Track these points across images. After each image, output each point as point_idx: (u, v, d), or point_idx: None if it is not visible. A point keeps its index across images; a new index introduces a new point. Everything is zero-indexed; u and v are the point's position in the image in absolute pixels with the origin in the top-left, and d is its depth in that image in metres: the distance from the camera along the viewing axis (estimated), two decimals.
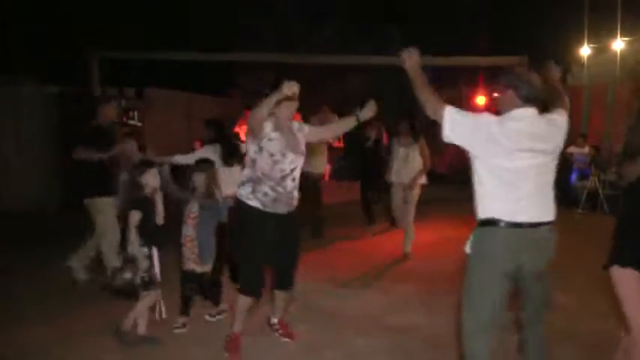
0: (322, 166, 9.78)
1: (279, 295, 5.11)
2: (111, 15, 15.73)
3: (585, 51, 13.96)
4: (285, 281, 5.00)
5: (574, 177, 13.26)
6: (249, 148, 4.68)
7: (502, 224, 3.50)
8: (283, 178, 4.62)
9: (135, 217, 4.92)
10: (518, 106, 3.55)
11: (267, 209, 4.60)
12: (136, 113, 15.88)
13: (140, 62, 14.95)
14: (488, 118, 3.54)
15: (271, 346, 5.05)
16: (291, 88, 4.26)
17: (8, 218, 11.14)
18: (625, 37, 13.09)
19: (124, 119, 15.58)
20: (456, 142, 3.56)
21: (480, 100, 14.07)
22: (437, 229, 10.18)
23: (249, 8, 17.37)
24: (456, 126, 3.53)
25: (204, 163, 5.71)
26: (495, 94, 3.49)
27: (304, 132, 4.86)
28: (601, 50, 13.82)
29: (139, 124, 15.89)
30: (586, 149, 13.29)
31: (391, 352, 5.00)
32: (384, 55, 16.15)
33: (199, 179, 5.52)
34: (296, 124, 4.84)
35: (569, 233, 10.22)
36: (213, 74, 17.33)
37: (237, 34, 16.56)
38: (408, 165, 8.30)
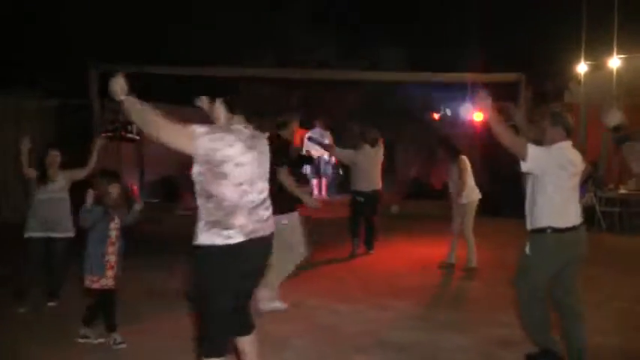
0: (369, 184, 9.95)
1: None
2: (111, 28, 15.78)
3: (582, 68, 14.03)
4: None
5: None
6: None
7: (563, 229, 4.65)
8: None
9: None
10: (564, 139, 4.71)
11: None
12: (134, 127, 15.89)
13: (140, 76, 14.97)
14: (555, 150, 4.65)
15: None
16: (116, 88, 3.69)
17: (8, 230, 11.12)
18: (621, 54, 13.17)
19: (123, 132, 15.59)
20: (534, 172, 4.65)
21: (478, 116, 14.08)
22: (433, 245, 10.19)
23: (249, 24, 17.44)
24: (536, 159, 4.57)
25: (113, 174, 5.74)
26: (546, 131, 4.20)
27: None
28: (598, 67, 13.89)
29: (137, 137, 15.91)
30: (583, 166, 13.29)
31: None
32: (381, 72, 16.29)
33: (115, 190, 5.49)
34: None
35: None
36: (211, 89, 17.35)
37: (236, 50, 16.62)
38: (456, 183, 8.84)
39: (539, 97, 15.14)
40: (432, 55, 16.13)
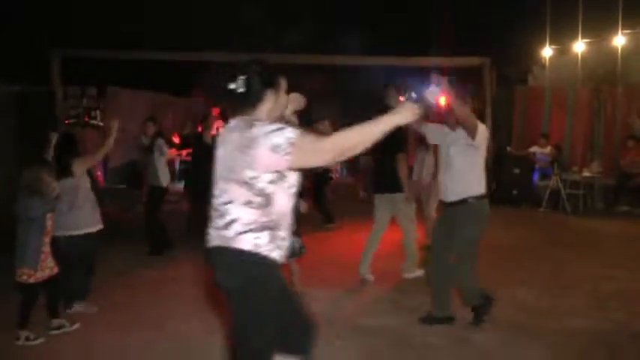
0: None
1: None
2: (72, 12, 15.49)
3: (547, 52, 14.16)
4: None
5: (536, 176, 13.42)
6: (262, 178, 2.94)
7: (486, 195, 5.35)
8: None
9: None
10: None
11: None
12: (97, 112, 15.68)
13: (103, 61, 14.77)
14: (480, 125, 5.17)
15: None
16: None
17: None
18: (585, 39, 13.32)
19: (86, 119, 15.38)
20: (477, 145, 5.13)
21: (442, 100, 14.13)
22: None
23: (217, 8, 17.27)
24: (481, 135, 5.11)
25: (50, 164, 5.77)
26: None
27: None
28: (562, 52, 14.03)
29: (101, 123, 15.70)
30: (548, 149, 13.47)
31: (368, 353, 5.00)
32: (346, 56, 16.23)
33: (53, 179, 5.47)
34: None
35: (533, 232, 10.38)
36: (176, 74, 17.18)
37: (203, 34, 16.46)
38: (424, 167, 9.11)
39: (503, 81, 15.26)
40: (397, 39, 16.15)
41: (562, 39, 13.77)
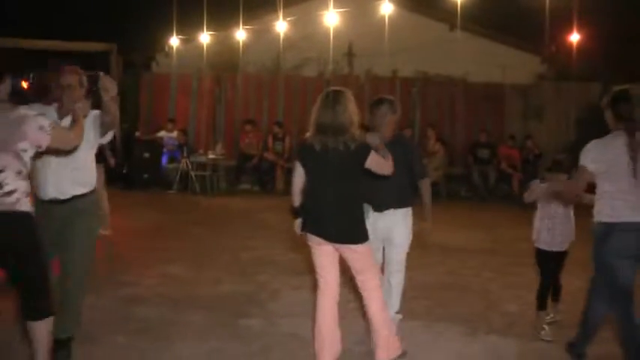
0: None
1: None
2: None
3: (174, 41, 14.72)
4: None
5: (165, 160, 13.94)
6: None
7: None
8: None
9: None
10: None
11: None
12: None
13: None
14: None
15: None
16: None
17: None
18: (210, 31, 14.16)
19: None
20: None
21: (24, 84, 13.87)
22: None
23: None
24: None
25: None
26: None
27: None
28: (188, 41, 14.71)
29: None
30: (175, 133, 14.09)
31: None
32: None
33: None
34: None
35: (168, 213, 10.98)
36: None
37: None
38: None
39: (129, 67, 15.55)
40: (21, 20, 15.37)
41: (188, 30, 14.41)
